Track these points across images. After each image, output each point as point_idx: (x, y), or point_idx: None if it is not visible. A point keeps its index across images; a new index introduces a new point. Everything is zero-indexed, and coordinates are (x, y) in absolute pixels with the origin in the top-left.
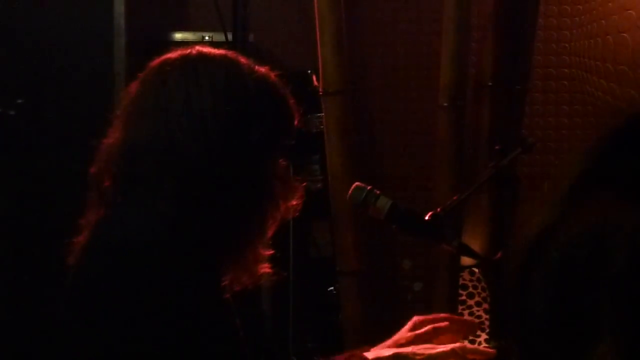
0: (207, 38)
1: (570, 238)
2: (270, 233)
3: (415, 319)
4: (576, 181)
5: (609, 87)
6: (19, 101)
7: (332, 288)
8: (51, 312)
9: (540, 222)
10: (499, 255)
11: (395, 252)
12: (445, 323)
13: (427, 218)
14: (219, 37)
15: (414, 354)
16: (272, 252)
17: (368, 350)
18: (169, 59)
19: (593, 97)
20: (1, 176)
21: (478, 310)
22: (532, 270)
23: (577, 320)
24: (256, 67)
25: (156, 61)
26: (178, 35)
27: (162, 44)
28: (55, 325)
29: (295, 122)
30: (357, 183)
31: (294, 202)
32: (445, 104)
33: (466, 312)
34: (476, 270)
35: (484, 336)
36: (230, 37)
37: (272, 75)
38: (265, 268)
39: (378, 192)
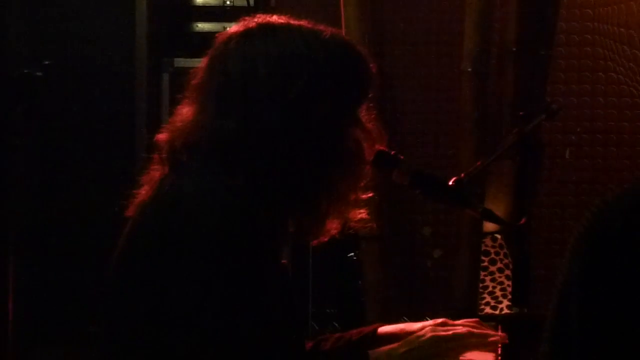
0: (228, 2)
1: None
2: (361, 183)
3: (441, 320)
4: None
5: (632, 54)
6: (46, 62)
7: (352, 254)
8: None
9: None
10: (522, 221)
11: (416, 219)
12: (467, 328)
13: (450, 183)
14: (241, 1)
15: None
16: (370, 194)
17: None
18: (231, 37)
19: (616, 64)
20: (28, 136)
21: (500, 277)
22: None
23: None
24: (322, 31)
25: (220, 37)
26: (199, 0)
27: (183, 7)
28: (107, 278)
29: (371, 75)
30: (380, 148)
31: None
32: (469, 70)
33: (488, 278)
34: (498, 236)
35: (506, 303)
36: (252, 1)
37: (339, 35)
38: (362, 214)
39: (402, 157)
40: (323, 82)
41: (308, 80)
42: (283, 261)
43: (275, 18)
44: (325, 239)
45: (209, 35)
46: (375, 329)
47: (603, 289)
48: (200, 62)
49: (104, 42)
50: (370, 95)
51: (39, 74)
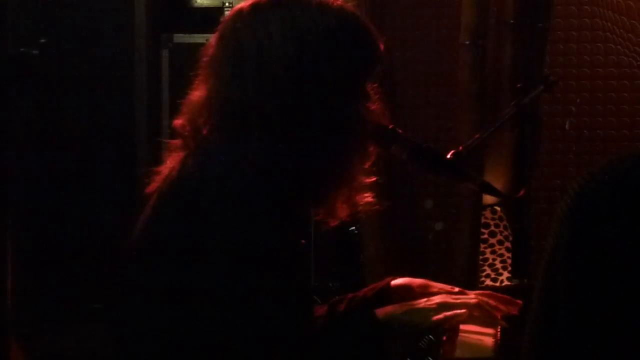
0: None
1: None
2: (367, 164)
3: (457, 290)
4: None
5: (631, 25)
6: (42, 40)
7: (353, 228)
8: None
9: None
10: (522, 193)
11: (417, 192)
12: (476, 301)
13: (449, 156)
14: None
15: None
16: (375, 179)
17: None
18: (242, 11)
19: (615, 35)
20: (25, 115)
21: (500, 249)
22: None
23: None
24: (332, 2)
25: (230, 14)
26: None
27: None
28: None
29: (379, 50)
30: (378, 122)
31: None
32: (467, 42)
33: (488, 250)
34: (498, 208)
35: (506, 274)
36: None
37: (348, 8)
38: (368, 197)
39: (400, 130)
40: (335, 49)
41: (320, 45)
42: (302, 241)
43: None
44: (334, 223)
45: (209, 11)
46: (388, 283)
47: (589, 260)
48: (210, 39)
49: (102, 18)
50: (377, 72)
51: (35, 52)
